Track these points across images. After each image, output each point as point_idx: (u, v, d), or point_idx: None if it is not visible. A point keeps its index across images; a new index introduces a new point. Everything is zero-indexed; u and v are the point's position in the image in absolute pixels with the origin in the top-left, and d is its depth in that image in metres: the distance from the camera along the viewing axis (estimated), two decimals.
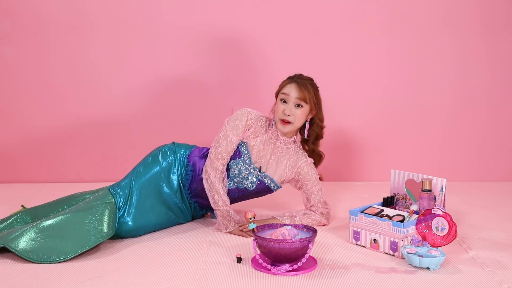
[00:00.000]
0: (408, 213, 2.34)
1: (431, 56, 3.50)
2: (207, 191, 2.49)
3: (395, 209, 2.52)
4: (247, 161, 2.51)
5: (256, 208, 2.86)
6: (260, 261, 2.08)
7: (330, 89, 3.41)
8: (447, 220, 2.13)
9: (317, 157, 2.62)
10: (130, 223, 2.43)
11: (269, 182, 2.55)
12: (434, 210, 2.17)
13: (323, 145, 2.65)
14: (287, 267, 2.06)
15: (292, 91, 2.43)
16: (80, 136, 3.54)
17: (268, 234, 2.15)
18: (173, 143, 2.67)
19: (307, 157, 2.59)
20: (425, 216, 2.19)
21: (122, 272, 2.08)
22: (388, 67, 3.52)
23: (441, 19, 3.47)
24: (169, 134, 3.38)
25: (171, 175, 2.57)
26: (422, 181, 2.40)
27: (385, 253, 2.26)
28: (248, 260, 2.18)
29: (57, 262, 2.16)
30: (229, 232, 2.51)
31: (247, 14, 3.46)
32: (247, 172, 2.52)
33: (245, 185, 2.54)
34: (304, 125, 2.51)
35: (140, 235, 2.48)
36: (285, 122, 2.45)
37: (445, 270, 2.09)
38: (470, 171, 3.59)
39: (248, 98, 3.48)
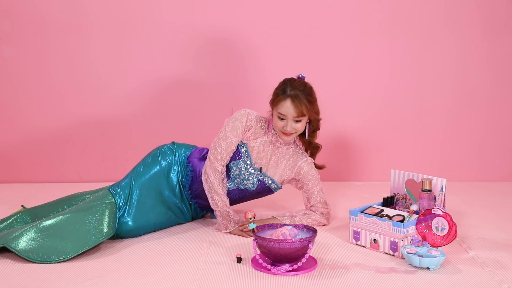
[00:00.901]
0: (408, 213, 2.34)
1: (431, 56, 3.50)
2: (206, 192, 2.49)
3: (395, 209, 2.52)
4: (247, 162, 2.51)
5: (256, 208, 2.86)
6: (260, 261, 2.08)
7: (330, 89, 3.42)
8: (447, 220, 2.13)
9: (314, 149, 2.60)
10: (130, 223, 2.43)
11: (269, 182, 2.55)
12: (434, 210, 2.17)
13: (324, 145, 2.64)
14: (287, 267, 2.06)
15: (289, 111, 2.36)
16: (80, 136, 3.54)
17: (268, 234, 2.15)
18: (173, 143, 2.67)
19: (307, 156, 2.59)
20: (425, 216, 2.19)
21: (122, 272, 2.08)
22: (388, 67, 3.52)
23: (442, 19, 3.47)
24: (169, 134, 3.38)
25: (171, 175, 2.57)
26: (422, 181, 2.40)
27: (385, 253, 2.26)
28: (248, 260, 2.18)
29: (57, 262, 2.16)
30: (229, 232, 2.51)
31: (247, 14, 3.45)
32: (247, 173, 2.51)
33: (246, 186, 2.53)
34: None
35: (140, 235, 2.48)
36: (287, 134, 2.44)
37: (445, 270, 2.09)
38: (470, 171, 3.59)
39: (248, 98, 3.48)
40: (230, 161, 2.51)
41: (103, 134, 3.54)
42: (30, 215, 2.54)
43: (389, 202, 2.54)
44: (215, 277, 2.03)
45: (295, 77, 2.45)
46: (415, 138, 3.57)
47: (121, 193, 2.47)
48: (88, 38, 3.46)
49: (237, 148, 2.51)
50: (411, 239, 2.22)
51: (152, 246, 2.37)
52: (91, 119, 3.52)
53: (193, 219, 2.71)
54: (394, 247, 2.22)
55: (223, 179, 2.49)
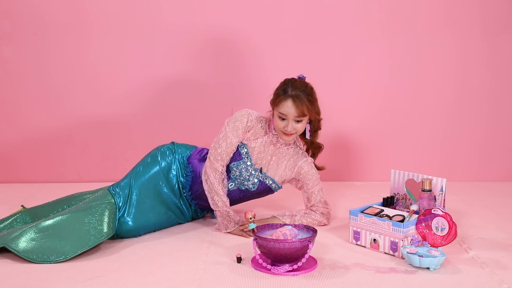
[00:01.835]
0: (408, 213, 2.34)
1: (431, 56, 3.50)
2: (206, 192, 2.49)
3: (395, 209, 2.51)
4: (248, 163, 2.51)
5: (256, 208, 2.86)
6: (260, 261, 2.08)
7: (330, 89, 3.42)
8: (447, 220, 2.13)
9: (316, 149, 2.60)
10: (130, 223, 2.43)
11: (270, 182, 2.55)
12: (434, 210, 2.17)
13: (324, 145, 2.64)
14: (287, 267, 2.06)
15: (289, 111, 2.36)
16: (80, 136, 3.54)
17: (268, 234, 2.15)
18: (173, 143, 2.67)
19: (307, 156, 2.59)
20: (425, 216, 2.19)
21: (122, 272, 2.08)
22: (388, 67, 3.51)
23: (442, 19, 3.47)
24: (169, 134, 3.37)
25: (171, 175, 2.57)
26: (422, 181, 2.40)
27: (385, 253, 2.26)
28: (248, 260, 2.18)
29: (57, 262, 2.16)
30: (229, 232, 2.51)
31: (247, 14, 3.45)
32: (248, 174, 2.51)
33: (247, 187, 2.53)
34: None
35: (140, 235, 2.48)
36: (287, 134, 2.44)
37: (445, 270, 2.09)
38: (470, 171, 3.59)
39: (248, 98, 3.47)
40: (231, 162, 2.51)
41: (103, 134, 3.54)
42: (30, 215, 2.54)
43: (389, 202, 2.54)
44: (215, 277, 2.03)
45: (296, 77, 2.45)
46: (415, 138, 3.57)
47: (120, 193, 2.47)
48: (88, 38, 3.46)
49: (237, 149, 2.50)
50: (411, 239, 2.22)
51: (152, 246, 2.37)
52: (91, 119, 3.52)
53: (193, 219, 2.71)
54: (394, 247, 2.22)
55: (223, 180, 2.49)
